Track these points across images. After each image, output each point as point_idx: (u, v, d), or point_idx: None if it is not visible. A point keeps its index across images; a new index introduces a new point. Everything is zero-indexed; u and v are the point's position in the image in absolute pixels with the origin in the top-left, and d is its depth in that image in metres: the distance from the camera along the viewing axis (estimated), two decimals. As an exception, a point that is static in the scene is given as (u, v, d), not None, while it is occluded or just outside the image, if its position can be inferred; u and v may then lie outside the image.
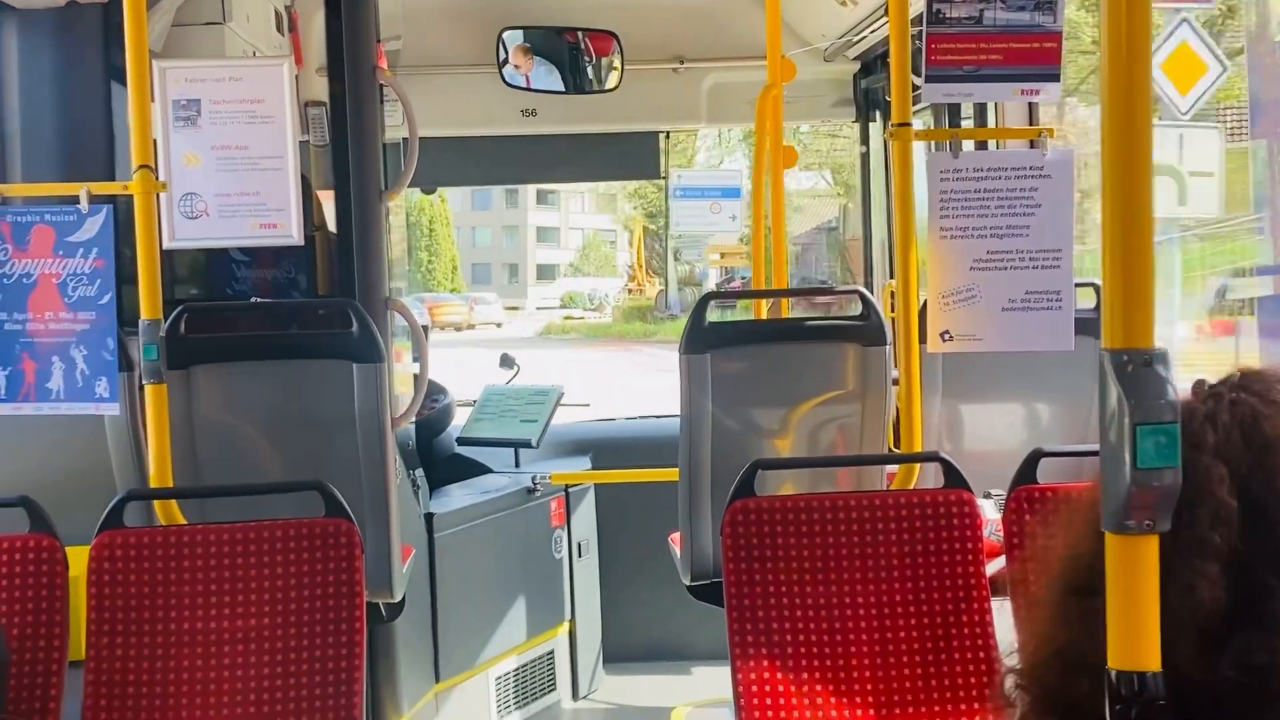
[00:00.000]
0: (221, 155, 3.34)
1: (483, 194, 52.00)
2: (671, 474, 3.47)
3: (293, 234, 3.39)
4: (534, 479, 4.47)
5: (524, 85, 4.60)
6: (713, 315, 3.38)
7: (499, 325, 36.97)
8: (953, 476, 2.70)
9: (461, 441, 4.73)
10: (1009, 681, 1.15)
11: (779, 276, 3.84)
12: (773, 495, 2.71)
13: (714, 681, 4.36)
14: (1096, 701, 1.11)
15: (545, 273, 54.44)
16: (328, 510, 2.62)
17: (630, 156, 4.97)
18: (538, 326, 34.73)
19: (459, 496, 4.30)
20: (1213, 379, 1.16)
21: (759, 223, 3.96)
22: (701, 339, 3.36)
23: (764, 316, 3.92)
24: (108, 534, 2.57)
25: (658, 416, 5.22)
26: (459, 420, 4.84)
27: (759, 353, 3.40)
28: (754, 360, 3.40)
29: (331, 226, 3.72)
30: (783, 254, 3.86)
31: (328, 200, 3.74)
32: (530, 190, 51.24)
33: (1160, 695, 1.09)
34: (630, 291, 38.58)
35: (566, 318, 40.58)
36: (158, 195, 2.90)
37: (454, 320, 34.36)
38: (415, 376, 3.69)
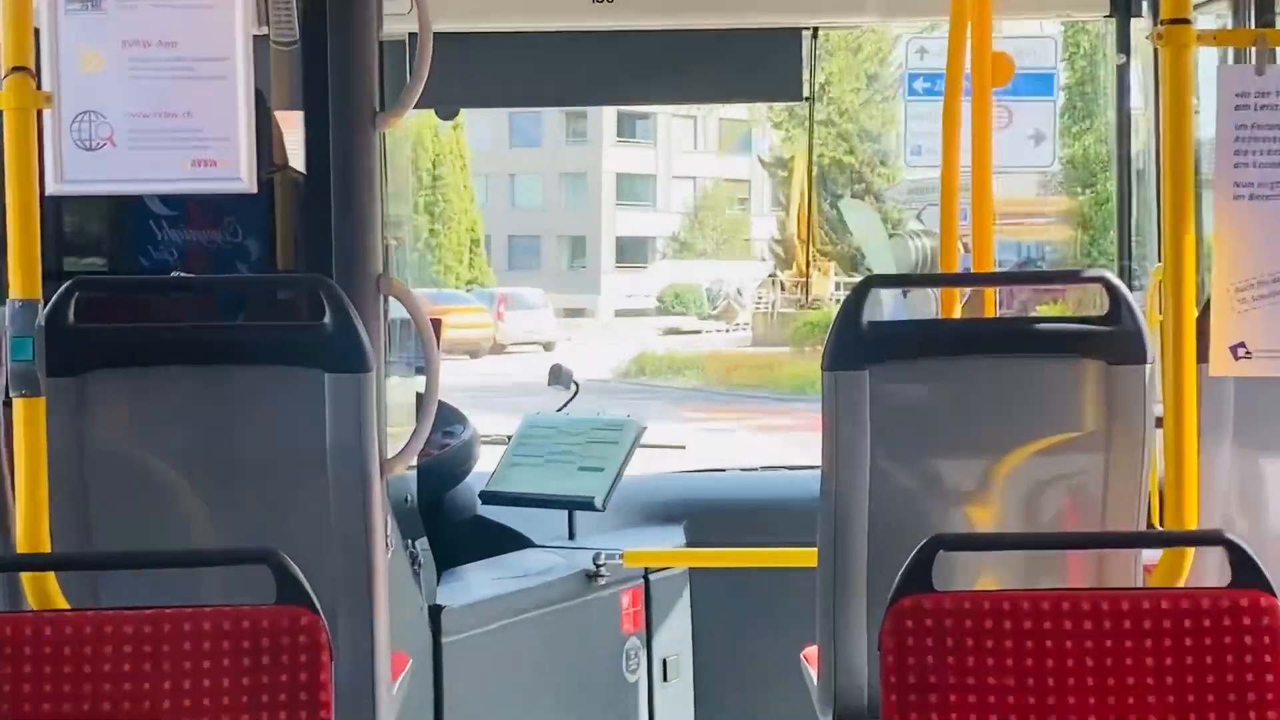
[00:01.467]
0: (137, 56, 3.39)
1: (527, 121, 48.64)
2: (807, 555, 3.46)
3: (240, 176, 3.43)
4: (598, 559, 4.48)
5: (593, -47, 4.61)
6: (874, 310, 3.37)
7: (548, 348, 32.90)
8: (1246, 569, 2.66)
9: (488, 498, 4.75)
10: None
11: (982, 253, 3.81)
12: (962, 591, 2.69)
13: None
14: None
15: (631, 251, 50.34)
16: (280, 593, 2.65)
17: (757, 66, 4.96)
18: (619, 359, 28.92)
19: (481, 581, 4.33)
20: None
21: (952, 171, 3.93)
22: (857, 347, 3.35)
23: (956, 315, 3.89)
24: (-50, 621, 2.61)
25: (789, 468, 5.20)
26: (485, 465, 4.86)
27: (946, 370, 3.38)
28: (938, 382, 3.38)
29: (300, 167, 3.76)
30: (988, 219, 3.82)
31: (293, 128, 3.79)
32: (606, 115, 48.14)
33: None
34: (786, 287, 34.90)
35: (669, 331, 36.78)
36: (38, 113, 2.95)
37: (469, 338, 30.75)
38: (419, 396, 3.72)
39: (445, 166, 39.96)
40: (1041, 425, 3.37)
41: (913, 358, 3.38)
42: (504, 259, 48.23)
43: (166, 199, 3.72)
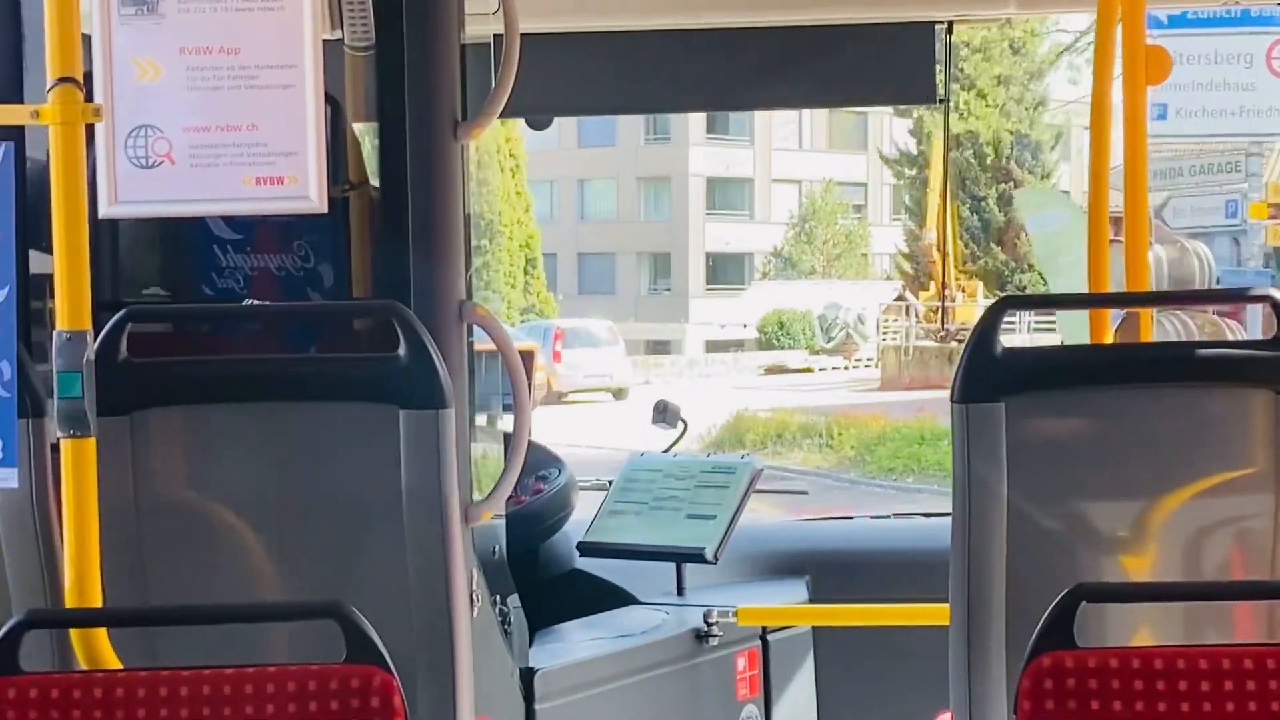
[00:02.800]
0: (196, 65, 3.45)
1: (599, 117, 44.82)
2: (943, 612, 3.44)
3: (309, 195, 3.47)
4: (709, 616, 4.47)
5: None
6: (1009, 336, 3.36)
7: (619, 395, 30.03)
8: None
9: (586, 550, 4.76)
10: None
11: (1136, 270, 3.79)
12: (1110, 648, 2.65)
13: None
14: None
15: (725, 271, 47.25)
16: (349, 652, 2.67)
17: (883, 65, 4.94)
18: (708, 421, 21.64)
19: (579, 642, 4.35)
20: None
21: (1101, 175, 3.91)
22: (991, 376, 3.35)
23: (1107, 340, 3.87)
24: (-6, 682, 2.66)
25: (924, 514, 5.16)
26: (582, 514, 4.88)
27: (1092, 402, 3.37)
28: (1083, 415, 3.37)
29: (375, 182, 3.80)
30: (1142, 231, 3.80)
31: (367, 139, 3.84)
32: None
33: None
34: (922, 314, 32.21)
35: (772, 369, 33.51)
36: (89, 128, 3.02)
37: None
38: (507, 437, 3.74)
39: (489, 169, 35.33)
40: (1203, 463, 3.35)
41: (1054, 388, 3.37)
42: (573, 281, 45.23)
43: (231, 221, 3.77)
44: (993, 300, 3.86)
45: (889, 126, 43.37)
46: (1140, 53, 3.82)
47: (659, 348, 37.73)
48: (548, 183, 43.65)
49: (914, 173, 39.80)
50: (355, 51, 3.95)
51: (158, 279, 3.89)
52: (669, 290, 46.36)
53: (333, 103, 3.53)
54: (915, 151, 40.13)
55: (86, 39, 3.14)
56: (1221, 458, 3.35)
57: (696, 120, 45.85)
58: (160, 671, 2.73)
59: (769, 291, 42.10)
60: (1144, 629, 3.31)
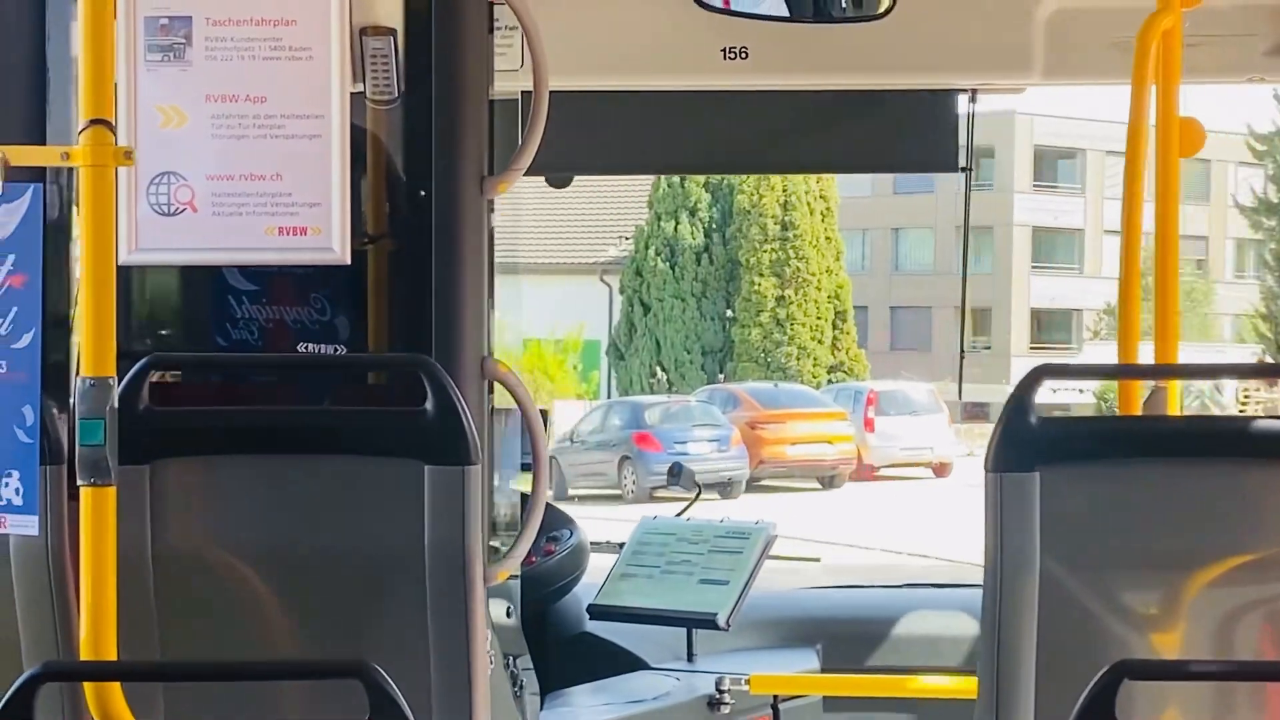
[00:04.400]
0: (222, 112, 3.44)
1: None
2: (961, 685, 3.40)
3: (333, 246, 3.46)
4: (720, 684, 4.44)
5: (723, 4, 4.62)
6: (1043, 406, 3.33)
7: (939, 471, 26.24)
8: None
9: (597, 613, 4.73)
10: None
11: (1165, 340, 3.76)
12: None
13: None
14: None
15: (1052, 328, 43.69)
16: (373, 714, 2.63)
17: (906, 133, 4.94)
18: None
19: (589, 707, 4.34)
20: None
21: (1132, 246, 3.90)
22: (1026, 446, 3.31)
23: (1137, 411, 3.84)
24: (7, 735, 2.61)
25: (936, 585, 5.13)
26: (593, 576, 4.85)
27: (1129, 474, 3.34)
28: (1119, 487, 3.33)
29: (393, 236, 3.78)
30: (1173, 300, 3.78)
31: (390, 193, 3.81)
32: (1020, 153, 40.71)
33: None
34: None
35: None
36: (116, 173, 2.99)
37: (821, 457, 24.36)
38: (524, 497, 3.71)
39: (798, 211, 33.61)
40: (1238, 539, 3.32)
41: (1090, 459, 3.34)
42: (884, 337, 42.69)
43: (247, 272, 3.73)
44: None
45: (1234, 175, 40.32)
46: (1174, 125, 3.81)
47: (975, 413, 32.77)
48: (860, 231, 41.26)
49: (1274, 223, 36.73)
50: (378, 105, 3.94)
51: (167, 328, 3.86)
52: (988, 349, 42.90)
53: (355, 154, 3.50)
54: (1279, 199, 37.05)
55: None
56: (1256, 534, 3.32)
57: (1024, 165, 43.98)
58: None
59: (1103, 352, 35.76)
60: (1173, 708, 3.27)
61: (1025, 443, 3.31)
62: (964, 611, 4.64)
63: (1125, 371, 3.91)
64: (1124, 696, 2.66)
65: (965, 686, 3.39)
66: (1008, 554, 3.30)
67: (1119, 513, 3.34)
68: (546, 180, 5.31)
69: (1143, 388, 3.83)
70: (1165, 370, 3.87)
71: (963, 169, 4.99)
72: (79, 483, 2.90)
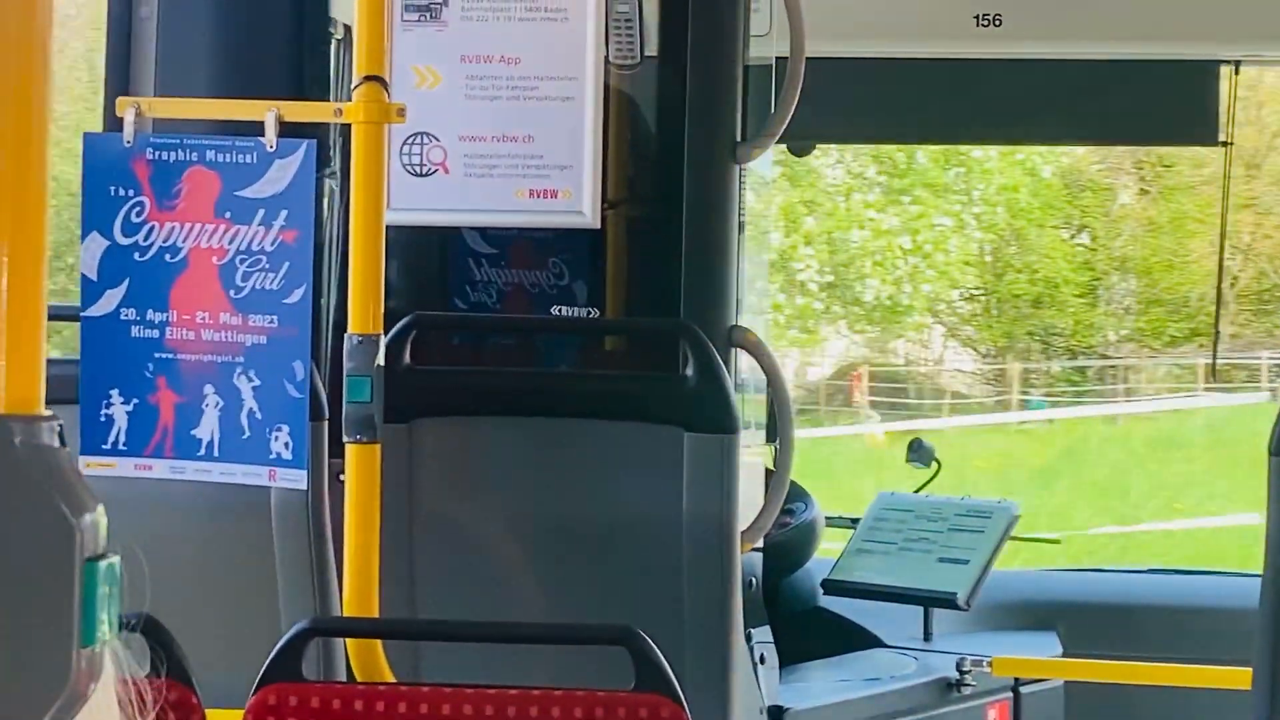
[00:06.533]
0: (476, 73, 3.44)
1: None
2: (1232, 675, 3.31)
3: (584, 210, 3.44)
4: (962, 665, 4.37)
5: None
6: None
7: None
8: None
9: (831, 588, 4.68)
10: None
11: None
12: None
13: None
14: None
15: None
16: (639, 679, 2.61)
17: (1163, 104, 4.82)
18: None
19: (825, 683, 4.28)
20: None
21: None
22: None
23: None
24: (274, 689, 2.61)
25: (1181, 572, 5.02)
26: (827, 552, 4.81)
27: None
28: None
29: (638, 201, 3.76)
30: None
31: (633, 158, 3.80)
32: None
33: None
34: None
35: None
36: (389, 129, 2.99)
37: None
38: (768, 471, 3.68)
39: None
40: None
41: None
42: None
43: (488, 234, 3.73)
44: None
45: None
46: None
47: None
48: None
49: None
50: (621, 68, 3.93)
51: (407, 289, 3.87)
52: None
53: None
54: None
55: None
56: None
57: None
58: (443, 688, 2.68)
59: None
60: None
61: None
62: (1214, 598, 4.52)
63: None
64: None
65: (1230, 677, 3.30)
66: None
67: None
68: (789, 148, 5.28)
69: None
70: None
71: (1223, 143, 4.88)
72: (345, 439, 2.91)
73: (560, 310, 3.65)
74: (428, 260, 3.88)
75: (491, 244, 3.79)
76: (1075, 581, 5.07)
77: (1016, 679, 4.48)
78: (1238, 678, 3.36)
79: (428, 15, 3.49)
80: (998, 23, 4.58)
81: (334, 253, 3.63)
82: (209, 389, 2.88)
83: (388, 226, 3.42)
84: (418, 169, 3.49)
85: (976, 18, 4.59)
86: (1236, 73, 4.76)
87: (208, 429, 2.88)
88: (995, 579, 4.59)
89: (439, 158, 3.49)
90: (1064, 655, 4.62)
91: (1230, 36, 4.69)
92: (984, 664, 4.38)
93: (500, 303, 3.77)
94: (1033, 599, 4.83)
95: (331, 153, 3.55)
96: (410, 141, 3.47)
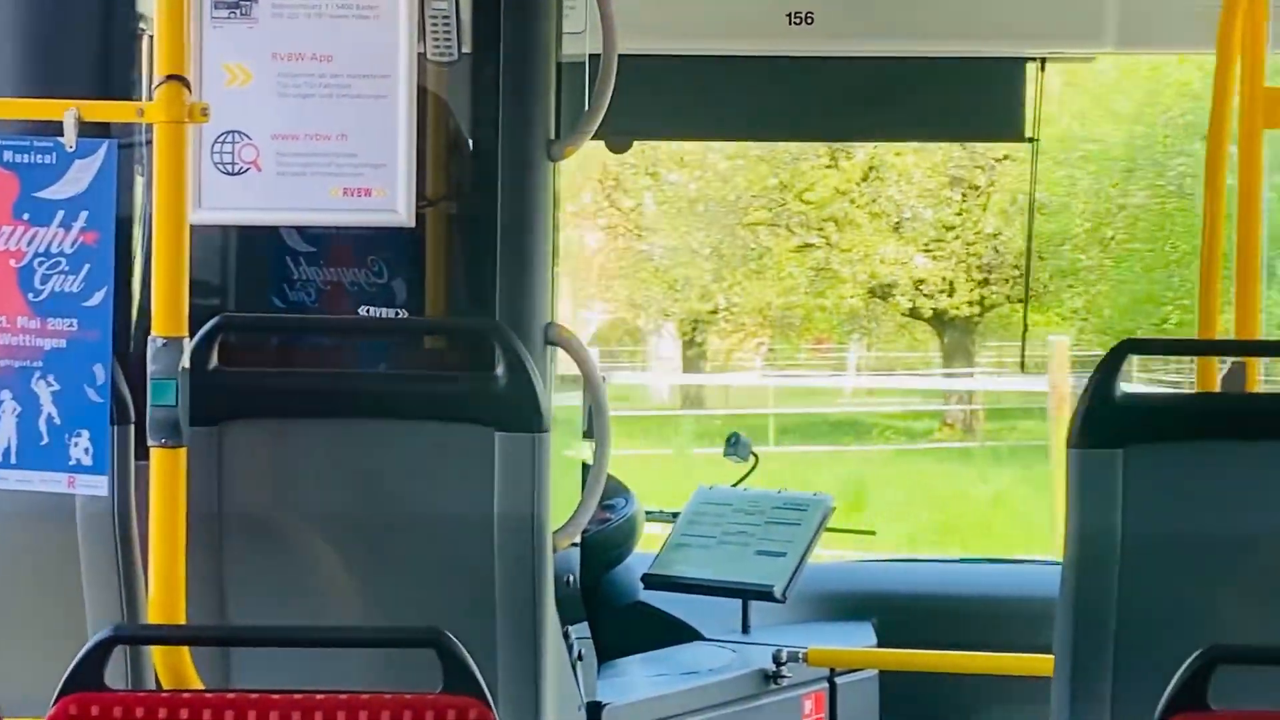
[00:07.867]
0: (288, 71, 3.40)
1: None
2: (1038, 663, 3.37)
3: (397, 208, 3.42)
4: (779, 656, 4.40)
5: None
6: (1128, 382, 3.28)
7: None
8: None
9: (651, 582, 4.69)
10: None
11: (1246, 317, 3.72)
12: (1244, 711, 2.57)
13: None
14: None
15: None
16: (448, 681, 2.59)
17: (973, 103, 4.90)
18: None
19: (644, 677, 4.29)
20: None
21: (1215, 221, 3.85)
22: (1110, 423, 3.27)
23: (1214, 388, 3.79)
24: (75, 699, 2.56)
25: (990, 560, 5.09)
26: (647, 546, 4.81)
27: (1215, 452, 3.30)
28: (1204, 465, 3.29)
29: (454, 198, 3.73)
30: (1254, 277, 3.72)
31: (449, 156, 3.77)
32: None
33: None
34: None
35: None
36: (195, 129, 2.95)
37: None
38: (585, 467, 3.67)
39: None
40: None
41: (1175, 438, 3.30)
42: None
43: (306, 233, 3.70)
44: None
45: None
46: (1260, 95, 3.74)
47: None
48: None
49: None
50: (438, 64, 3.90)
51: (224, 289, 3.83)
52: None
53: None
54: None
55: None
56: None
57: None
58: (250, 694, 2.65)
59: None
60: (1266, 690, 3.21)
61: (1108, 420, 3.27)
62: (1022, 587, 4.58)
63: (1212, 348, 3.85)
64: (1232, 684, 2.61)
65: (1035, 664, 3.35)
66: (1088, 530, 3.26)
67: (1203, 490, 3.29)
68: (606, 145, 5.28)
69: (1219, 364, 3.78)
70: (1252, 347, 3.81)
71: (1029, 139, 4.96)
72: (150, 443, 2.88)
73: (371, 310, 3.62)
74: (245, 259, 3.83)
75: (310, 242, 3.75)
76: (889, 572, 5.13)
77: (832, 669, 4.52)
78: (1043, 665, 3.41)
79: (238, 12, 3.44)
80: (810, 21, 4.62)
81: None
82: (5, 394, 2.84)
83: (206, 225, 3.39)
84: (229, 168, 3.45)
85: (789, 16, 4.63)
86: (1043, 70, 4.84)
87: (4, 435, 2.85)
88: (811, 571, 4.64)
89: (251, 156, 3.45)
90: (878, 645, 4.67)
91: (1034, 34, 4.78)
92: (800, 655, 4.41)
93: (319, 301, 3.73)
94: (848, 590, 4.88)
95: (140, 152, 3.50)
96: (222, 140, 3.43)
